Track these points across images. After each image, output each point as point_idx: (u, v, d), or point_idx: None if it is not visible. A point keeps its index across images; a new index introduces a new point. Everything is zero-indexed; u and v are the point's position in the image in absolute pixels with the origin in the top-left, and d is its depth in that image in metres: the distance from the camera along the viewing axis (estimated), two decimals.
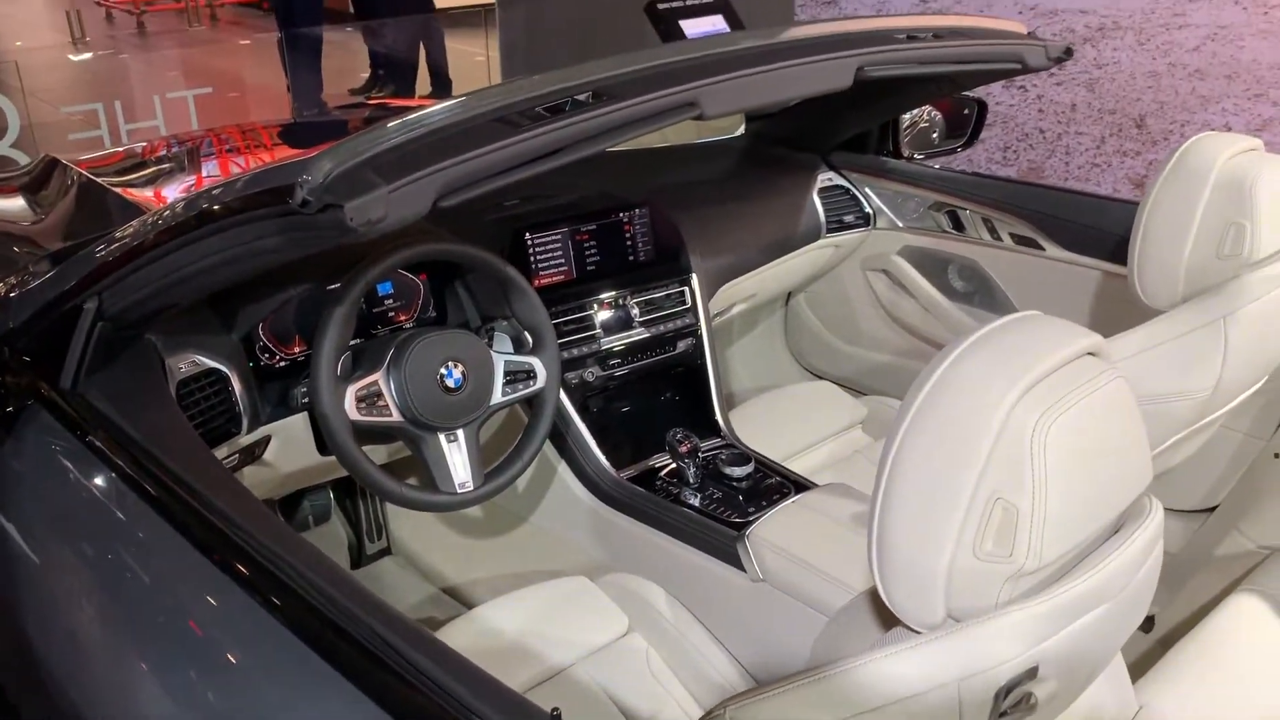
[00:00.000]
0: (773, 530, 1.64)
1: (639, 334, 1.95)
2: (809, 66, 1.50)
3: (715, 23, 4.11)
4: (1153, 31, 4.61)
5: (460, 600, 2.04)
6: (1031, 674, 0.79)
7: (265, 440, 1.61)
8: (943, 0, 5.55)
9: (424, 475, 1.58)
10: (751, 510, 1.72)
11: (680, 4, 4.05)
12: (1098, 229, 2.09)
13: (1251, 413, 1.90)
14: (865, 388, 2.50)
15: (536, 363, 1.65)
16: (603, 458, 1.85)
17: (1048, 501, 0.76)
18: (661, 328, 1.98)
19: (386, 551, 2.26)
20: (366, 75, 6.63)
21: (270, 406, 1.60)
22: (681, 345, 2.01)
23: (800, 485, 1.79)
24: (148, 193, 2.05)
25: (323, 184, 1.05)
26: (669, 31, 3.87)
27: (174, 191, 2.06)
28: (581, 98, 1.28)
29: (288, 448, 1.65)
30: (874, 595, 1.32)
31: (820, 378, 2.66)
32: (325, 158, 1.07)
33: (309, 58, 6.48)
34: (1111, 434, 0.81)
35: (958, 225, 2.32)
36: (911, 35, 1.70)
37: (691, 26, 4.01)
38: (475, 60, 7.11)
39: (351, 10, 7.17)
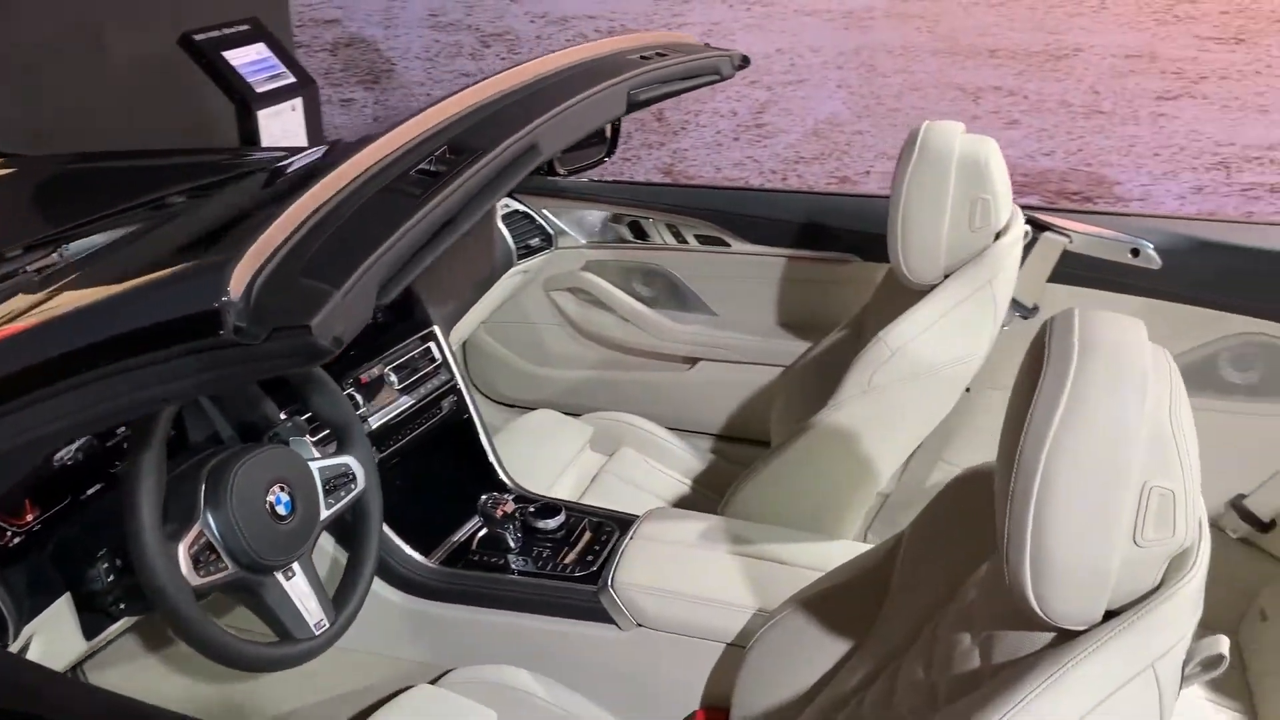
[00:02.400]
0: (633, 573, 1.58)
1: (404, 403, 1.76)
2: (597, 97, 1.45)
3: (260, 50, 3.81)
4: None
5: None
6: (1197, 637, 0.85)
7: (28, 641, 1.22)
8: (487, 13, 5.62)
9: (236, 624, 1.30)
10: (590, 559, 1.65)
11: (217, 34, 3.69)
12: (779, 220, 2.25)
13: None
14: (572, 407, 2.48)
15: (351, 461, 1.42)
16: (408, 548, 1.65)
17: (1190, 479, 0.82)
18: (422, 390, 1.80)
19: None
20: None
21: (28, 598, 1.21)
22: (445, 405, 1.85)
23: (620, 521, 1.74)
24: None
25: (252, 303, 0.81)
26: (211, 63, 3.51)
27: None
28: (438, 153, 1.13)
29: (52, 644, 1.26)
30: (805, 606, 1.33)
31: (514, 406, 2.59)
32: (233, 267, 0.83)
33: None
34: (1188, 406, 0.89)
35: (641, 234, 2.38)
36: (644, 56, 1.71)
37: (236, 56, 3.68)
38: None
39: None
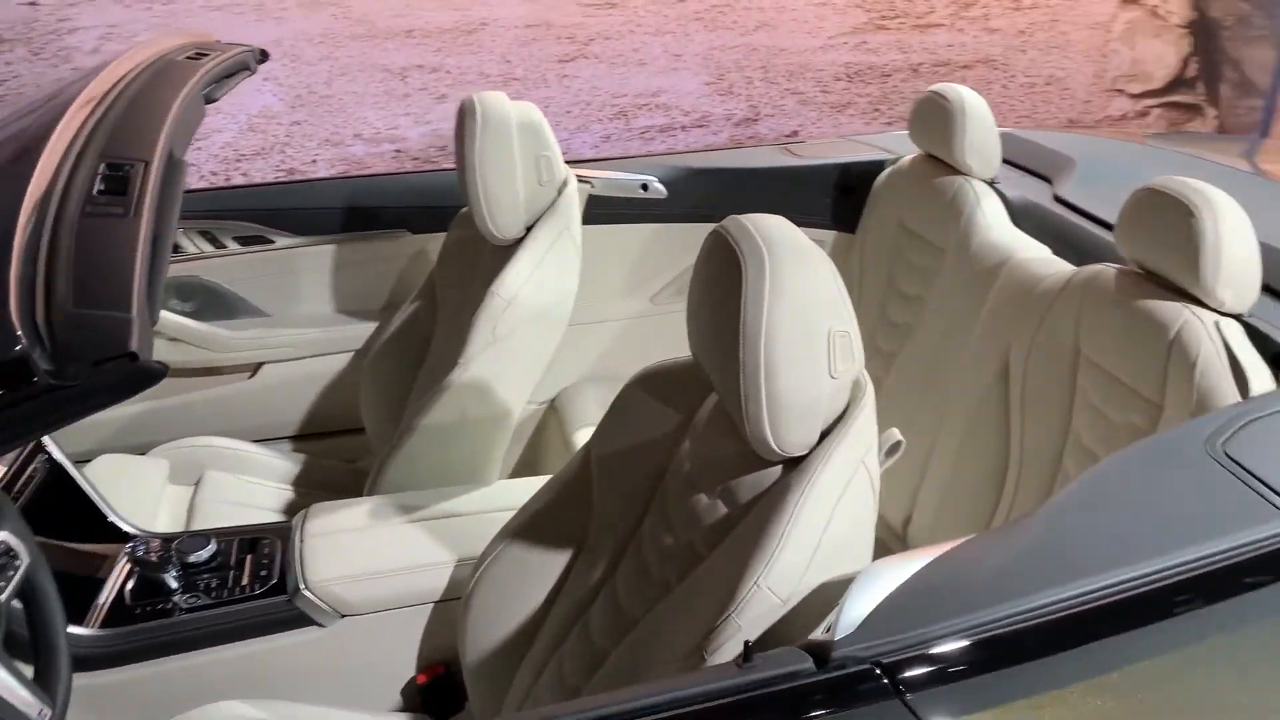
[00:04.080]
0: (320, 569, 1.59)
1: None
2: (186, 102, 1.42)
3: None
4: (44, 41, 4.50)
5: None
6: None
7: None
8: None
9: None
10: (264, 574, 1.61)
11: None
12: (322, 208, 2.27)
13: None
14: (136, 446, 2.28)
15: (8, 537, 1.25)
16: None
17: (854, 322, 1.11)
18: (9, 457, 1.59)
19: None
20: None
21: None
22: (37, 464, 1.65)
23: (275, 530, 1.71)
24: None
25: (49, 344, 0.77)
26: None
27: None
28: (102, 173, 1.07)
29: None
30: (517, 535, 1.48)
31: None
32: (8, 311, 0.77)
33: None
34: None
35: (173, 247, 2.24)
36: (191, 55, 1.66)
37: None
38: None
39: None
